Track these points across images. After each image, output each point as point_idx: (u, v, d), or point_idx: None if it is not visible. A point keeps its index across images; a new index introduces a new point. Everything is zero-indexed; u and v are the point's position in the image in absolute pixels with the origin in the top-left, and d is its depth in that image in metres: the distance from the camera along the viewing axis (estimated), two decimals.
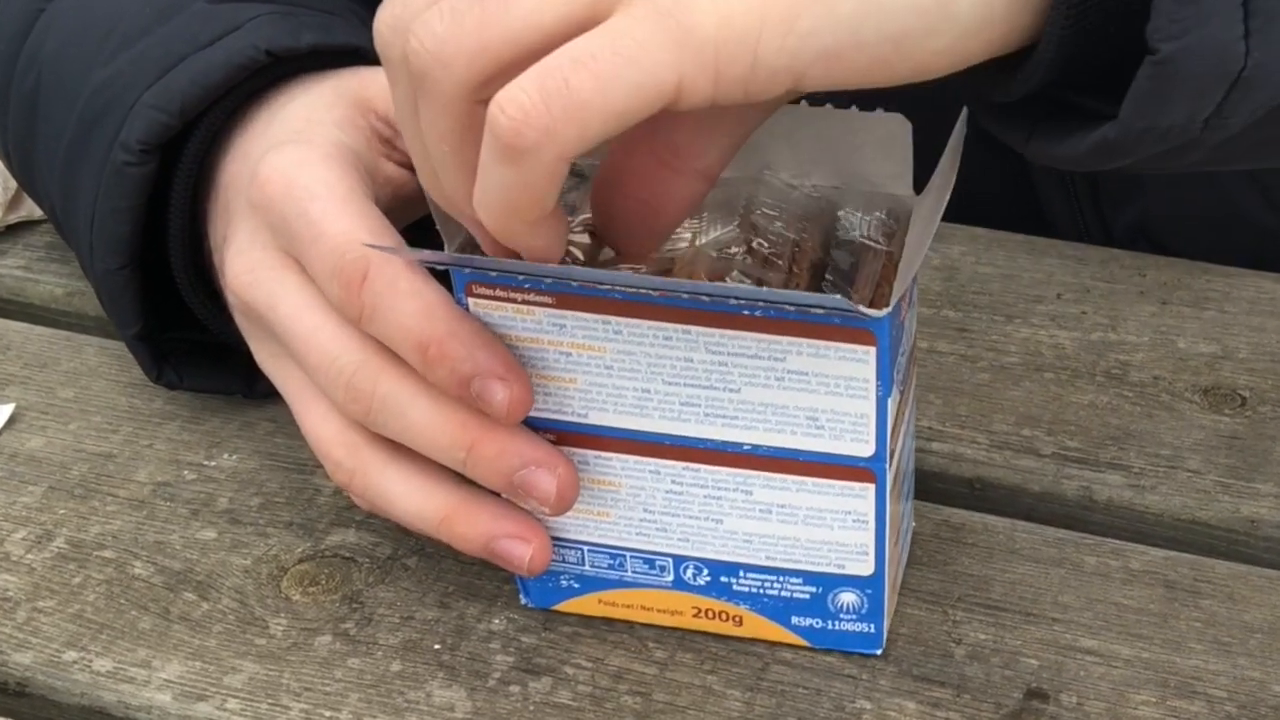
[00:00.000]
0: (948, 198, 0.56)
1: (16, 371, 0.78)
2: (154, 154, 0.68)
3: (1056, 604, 0.64)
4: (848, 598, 0.61)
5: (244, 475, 0.71)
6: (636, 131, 0.52)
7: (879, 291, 0.59)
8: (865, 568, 0.60)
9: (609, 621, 0.64)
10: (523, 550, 0.61)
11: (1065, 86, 0.55)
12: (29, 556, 0.68)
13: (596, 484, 0.61)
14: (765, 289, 0.57)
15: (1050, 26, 0.52)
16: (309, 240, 0.60)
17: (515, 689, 0.62)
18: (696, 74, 0.49)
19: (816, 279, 0.59)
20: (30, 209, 0.86)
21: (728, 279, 0.58)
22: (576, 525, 0.62)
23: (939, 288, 0.80)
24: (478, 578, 0.66)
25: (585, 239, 0.59)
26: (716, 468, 0.59)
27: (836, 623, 0.62)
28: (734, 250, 0.59)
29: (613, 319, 0.57)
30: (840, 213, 0.61)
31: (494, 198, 0.51)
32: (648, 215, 0.57)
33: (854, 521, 0.59)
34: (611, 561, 0.62)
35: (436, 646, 0.64)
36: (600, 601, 0.64)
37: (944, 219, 0.56)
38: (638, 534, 0.61)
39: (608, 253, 0.59)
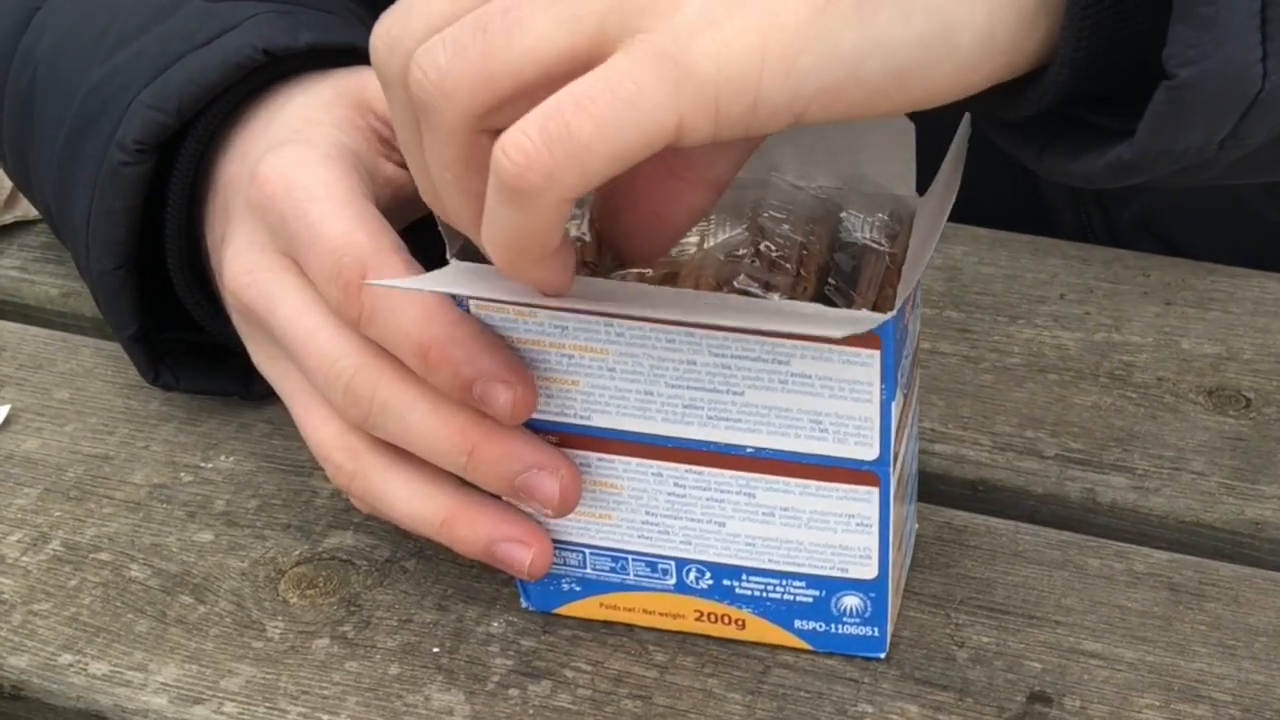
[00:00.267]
0: (953, 200, 0.56)
1: (12, 373, 0.78)
2: (151, 154, 0.68)
3: (1060, 607, 0.64)
4: (851, 601, 0.61)
5: (241, 477, 0.71)
6: None
7: (882, 294, 0.59)
8: (868, 571, 0.60)
9: (609, 624, 0.64)
10: (524, 554, 0.61)
11: (1077, 105, 0.54)
12: (24, 559, 0.68)
13: (598, 486, 0.60)
14: (765, 301, 0.57)
15: (1062, 49, 0.52)
16: (307, 242, 0.60)
17: (514, 692, 0.62)
18: (696, 114, 0.49)
19: (823, 282, 0.59)
20: (26, 209, 0.86)
21: (735, 283, 0.58)
22: (578, 528, 0.62)
23: (941, 288, 0.80)
24: (477, 580, 0.66)
25: (587, 235, 0.59)
26: (719, 470, 0.59)
27: (839, 626, 0.62)
28: (742, 253, 0.59)
29: (615, 321, 0.57)
30: (843, 214, 0.60)
31: (500, 237, 0.51)
32: (656, 224, 0.57)
33: (857, 525, 0.59)
34: (613, 564, 0.62)
35: (435, 649, 0.63)
36: (601, 605, 0.63)
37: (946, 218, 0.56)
38: (640, 537, 0.61)
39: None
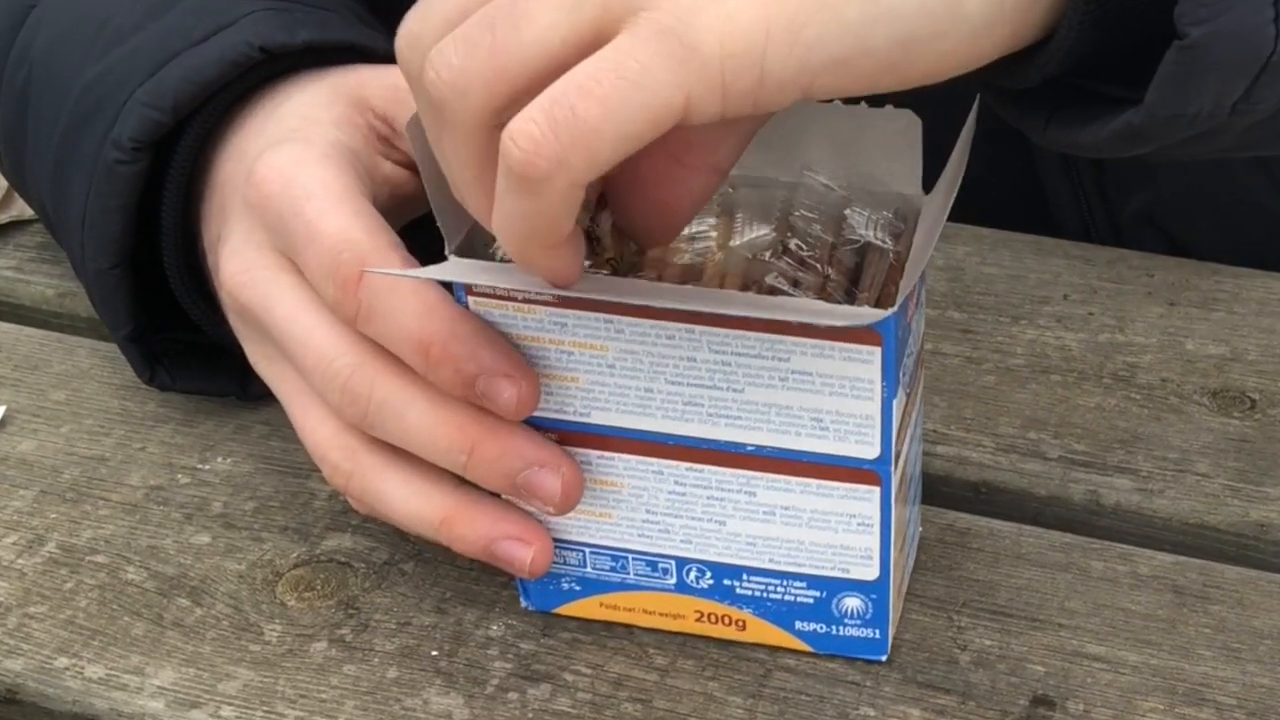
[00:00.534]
0: (954, 196, 0.56)
1: (7, 374, 0.77)
2: (146, 152, 0.67)
3: (1063, 610, 0.64)
4: (852, 603, 0.61)
5: (238, 479, 0.71)
6: None
7: (885, 292, 0.59)
8: (870, 572, 0.60)
9: (609, 627, 0.64)
10: (524, 552, 0.61)
11: (1084, 74, 0.54)
12: (20, 561, 0.68)
13: (598, 484, 0.60)
14: (767, 298, 0.57)
15: (1070, 13, 0.52)
16: (305, 240, 0.60)
17: (514, 696, 0.61)
18: (703, 91, 0.49)
19: (852, 284, 0.59)
20: (21, 208, 0.86)
21: (766, 280, 0.58)
22: (578, 526, 0.61)
23: (944, 288, 0.80)
24: (476, 583, 0.66)
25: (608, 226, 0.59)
26: (720, 468, 0.59)
27: (841, 628, 0.61)
28: (769, 254, 0.58)
29: (615, 318, 0.57)
30: (847, 211, 0.60)
31: (511, 225, 0.51)
32: (661, 211, 0.56)
33: (859, 525, 0.59)
34: (613, 564, 0.62)
35: (434, 653, 0.63)
36: (601, 604, 0.63)
37: (948, 217, 0.56)
38: (640, 535, 0.61)
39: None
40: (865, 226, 0.60)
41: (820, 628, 0.62)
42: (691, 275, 0.59)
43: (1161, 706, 0.60)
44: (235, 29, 0.68)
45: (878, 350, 0.55)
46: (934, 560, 0.66)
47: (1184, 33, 0.50)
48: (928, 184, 0.60)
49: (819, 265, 0.58)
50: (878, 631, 0.61)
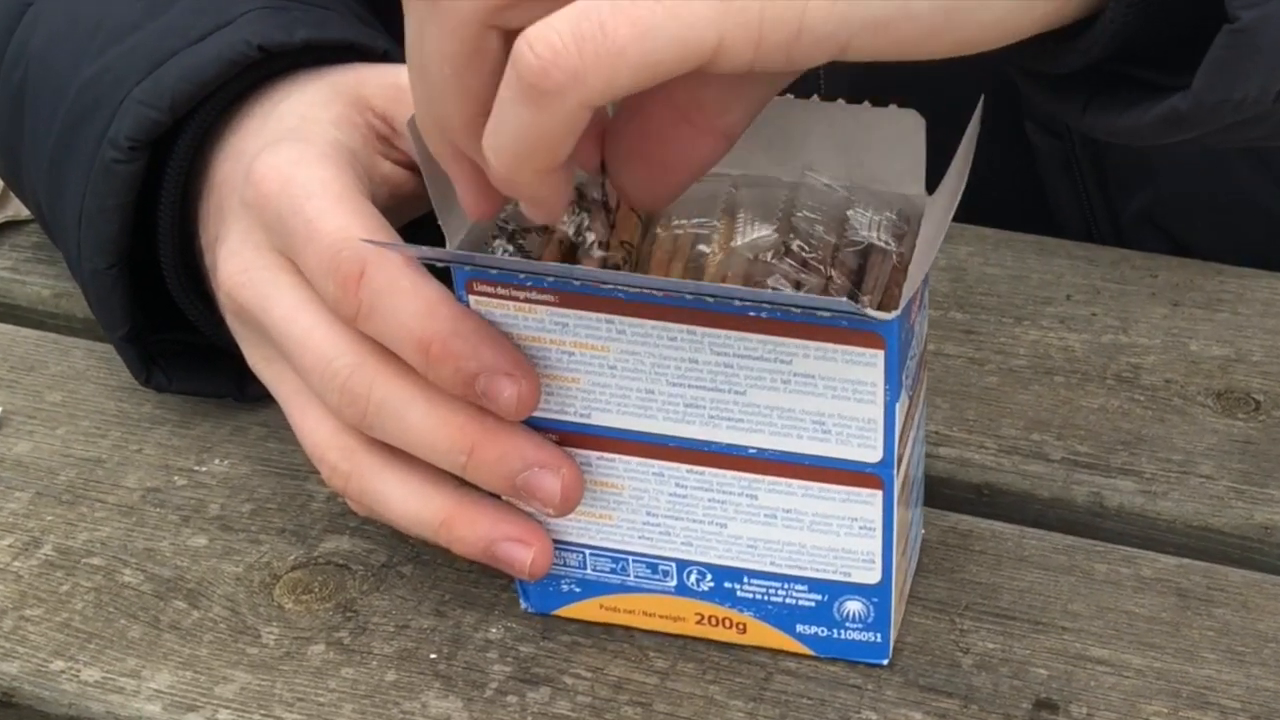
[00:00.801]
0: (958, 198, 0.56)
1: (3, 375, 0.77)
2: (143, 151, 0.67)
3: (1066, 612, 0.64)
4: (854, 606, 0.61)
5: (235, 481, 0.71)
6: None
7: (888, 294, 0.58)
8: (872, 576, 0.60)
9: (609, 630, 0.63)
10: (524, 554, 0.60)
11: (1124, 59, 0.54)
12: (15, 564, 0.68)
13: (599, 486, 0.60)
14: (769, 291, 0.56)
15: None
16: (304, 238, 0.60)
17: (513, 699, 0.61)
18: (739, 36, 0.47)
19: (856, 286, 0.59)
20: (17, 208, 0.86)
21: (768, 282, 0.57)
22: (578, 528, 0.61)
23: (946, 289, 0.80)
24: (474, 586, 0.65)
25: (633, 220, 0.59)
26: (721, 471, 0.59)
27: (842, 631, 0.61)
28: (770, 255, 0.58)
29: (616, 318, 0.56)
30: (849, 212, 0.60)
31: (508, 140, 0.50)
32: (663, 171, 0.55)
33: (861, 528, 0.59)
34: (613, 566, 0.62)
35: (432, 656, 0.63)
36: (601, 607, 0.63)
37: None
38: (640, 538, 0.61)
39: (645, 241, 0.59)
40: (868, 227, 0.59)
41: (821, 631, 0.61)
42: (693, 276, 0.59)
43: (1165, 710, 0.60)
44: (233, 28, 0.68)
45: (880, 353, 0.55)
46: (936, 563, 0.66)
47: (1234, 16, 0.50)
48: (931, 184, 0.59)
49: (821, 267, 0.58)
50: (879, 635, 0.61)
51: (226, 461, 0.72)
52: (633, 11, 0.47)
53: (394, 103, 0.66)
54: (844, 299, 0.54)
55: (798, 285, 0.57)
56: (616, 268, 0.58)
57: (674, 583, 0.62)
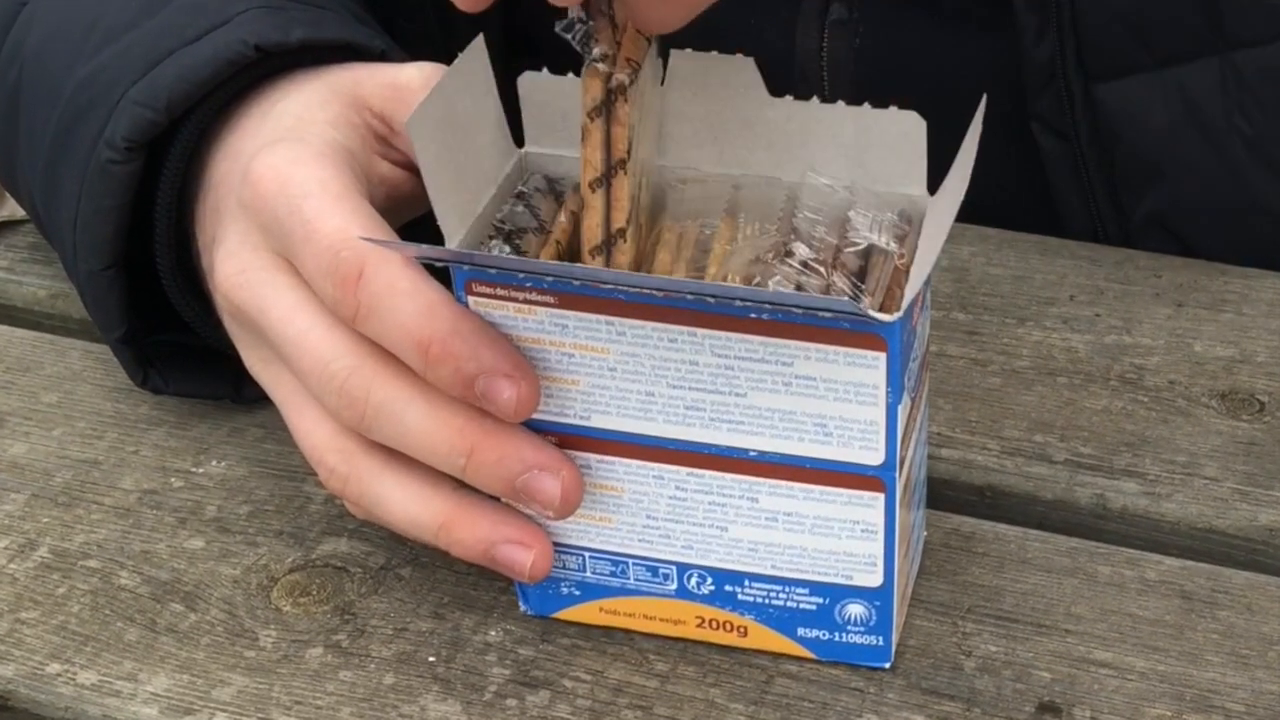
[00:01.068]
0: (961, 199, 0.55)
1: None
2: (140, 151, 0.67)
3: (1069, 615, 0.64)
4: (855, 610, 0.61)
5: (233, 483, 0.71)
6: None
7: (889, 295, 0.58)
8: (874, 579, 0.60)
9: (609, 633, 0.63)
10: (524, 556, 0.60)
11: None
12: (11, 566, 0.67)
13: (599, 489, 0.60)
14: (770, 291, 0.56)
15: None
16: (302, 238, 0.60)
17: (512, 703, 0.61)
18: None
19: (856, 289, 0.58)
20: (13, 209, 0.86)
21: (770, 284, 0.57)
22: (578, 531, 0.61)
23: (948, 289, 0.79)
24: (473, 588, 0.65)
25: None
26: (722, 474, 0.59)
27: (844, 635, 0.61)
28: (771, 256, 0.58)
29: (616, 320, 0.56)
30: (851, 213, 0.60)
31: None
32: None
33: (862, 531, 0.59)
34: (613, 568, 0.62)
35: (431, 659, 0.63)
36: (601, 610, 0.63)
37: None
38: (640, 540, 0.61)
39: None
40: (869, 229, 0.59)
41: (823, 634, 0.61)
42: (694, 276, 0.59)
43: (1169, 713, 0.60)
44: (230, 27, 0.68)
45: (882, 356, 0.55)
46: (938, 565, 0.66)
47: None
48: (932, 185, 0.59)
49: (822, 268, 0.58)
50: (881, 639, 0.61)
51: (224, 463, 0.72)
52: None
53: (392, 102, 0.66)
54: (845, 299, 0.54)
55: (799, 286, 0.57)
56: (622, 86, 0.56)
57: (674, 586, 0.61)
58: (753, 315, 0.55)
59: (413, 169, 0.66)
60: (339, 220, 0.59)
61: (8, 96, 0.75)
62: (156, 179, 0.68)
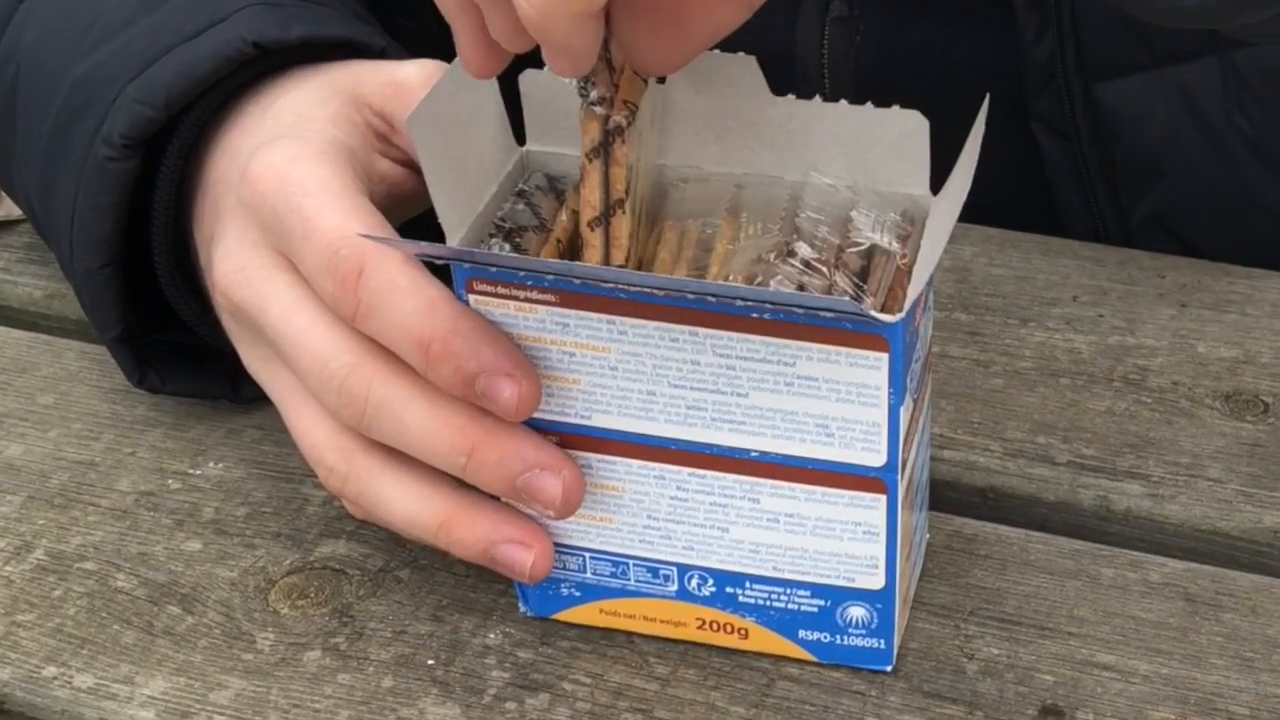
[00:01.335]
0: (964, 199, 0.55)
1: None
2: (137, 149, 0.67)
3: (1072, 618, 0.64)
4: (857, 612, 0.60)
5: (230, 484, 0.71)
6: None
7: (892, 295, 0.58)
8: (875, 581, 0.60)
9: (609, 636, 0.63)
10: (524, 556, 0.60)
11: None
12: (7, 568, 0.67)
13: (599, 489, 0.60)
14: (772, 290, 0.56)
15: None
16: (301, 236, 0.60)
17: (511, 706, 0.61)
18: None
19: (858, 289, 0.58)
20: (9, 208, 0.86)
21: (771, 283, 0.57)
22: (578, 531, 0.61)
23: (951, 290, 0.79)
24: (473, 590, 0.65)
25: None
26: (723, 474, 0.58)
27: (845, 637, 0.61)
28: (773, 256, 0.58)
29: (617, 319, 0.56)
30: (853, 213, 0.60)
31: None
32: (676, 32, 0.53)
33: (864, 533, 0.59)
34: (614, 569, 0.62)
35: (430, 662, 0.63)
36: (602, 611, 0.63)
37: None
38: (641, 541, 0.61)
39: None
40: (872, 228, 0.59)
41: (824, 637, 0.61)
42: (696, 276, 0.59)
43: (1173, 717, 0.60)
44: (228, 24, 0.68)
45: (885, 356, 0.55)
46: (940, 567, 0.65)
47: None
48: (935, 185, 0.59)
49: (825, 268, 0.58)
50: (883, 641, 0.61)
51: (221, 465, 0.71)
52: None
53: (392, 100, 0.66)
54: (847, 299, 0.53)
55: (801, 286, 0.57)
56: (620, 128, 0.56)
57: (675, 587, 0.61)
58: (754, 315, 0.55)
59: (413, 167, 0.65)
60: (339, 218, 0.59)
61: (4, 94, 0.74)
62: (154, 176, 0.68)
